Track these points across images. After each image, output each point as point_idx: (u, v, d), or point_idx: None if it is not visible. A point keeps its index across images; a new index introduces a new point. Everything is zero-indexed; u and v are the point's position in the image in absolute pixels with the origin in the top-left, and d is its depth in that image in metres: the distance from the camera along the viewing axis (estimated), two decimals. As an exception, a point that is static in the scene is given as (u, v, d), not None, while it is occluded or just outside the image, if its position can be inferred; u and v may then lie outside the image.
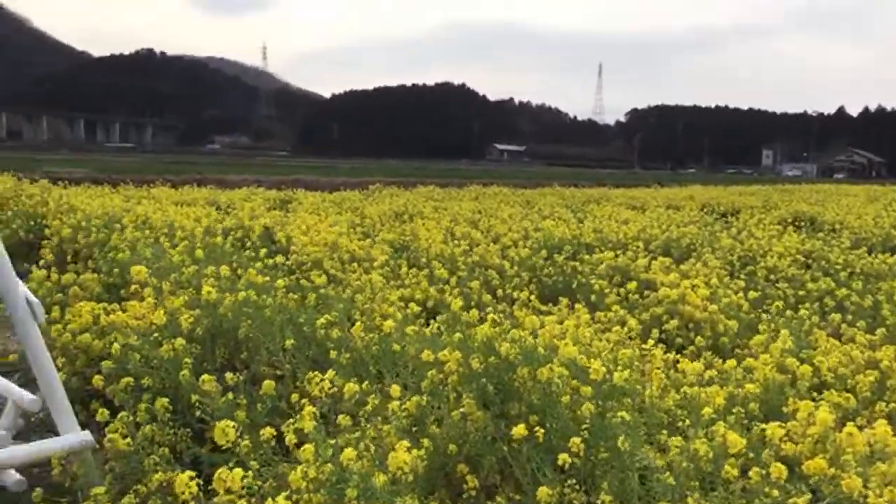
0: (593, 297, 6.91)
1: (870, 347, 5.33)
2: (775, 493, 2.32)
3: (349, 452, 2.35)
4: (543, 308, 6.49)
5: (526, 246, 9.11)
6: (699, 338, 5.57)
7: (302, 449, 2.48)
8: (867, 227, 13.75)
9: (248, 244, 7.68)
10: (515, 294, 6.88)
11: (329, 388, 2.89)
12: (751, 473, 2.48)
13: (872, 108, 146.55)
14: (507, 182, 31.63)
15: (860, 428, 3.07)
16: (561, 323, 5.48)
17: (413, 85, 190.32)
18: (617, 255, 8.40)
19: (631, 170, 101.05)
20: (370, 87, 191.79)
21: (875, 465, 2.87)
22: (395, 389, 3.09)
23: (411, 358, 3.97)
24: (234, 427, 2.62)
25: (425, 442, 2.87)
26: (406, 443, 2.57)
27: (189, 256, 5.99)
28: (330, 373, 3.16)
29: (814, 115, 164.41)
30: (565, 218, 13.78)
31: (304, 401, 3.19)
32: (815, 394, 4.13)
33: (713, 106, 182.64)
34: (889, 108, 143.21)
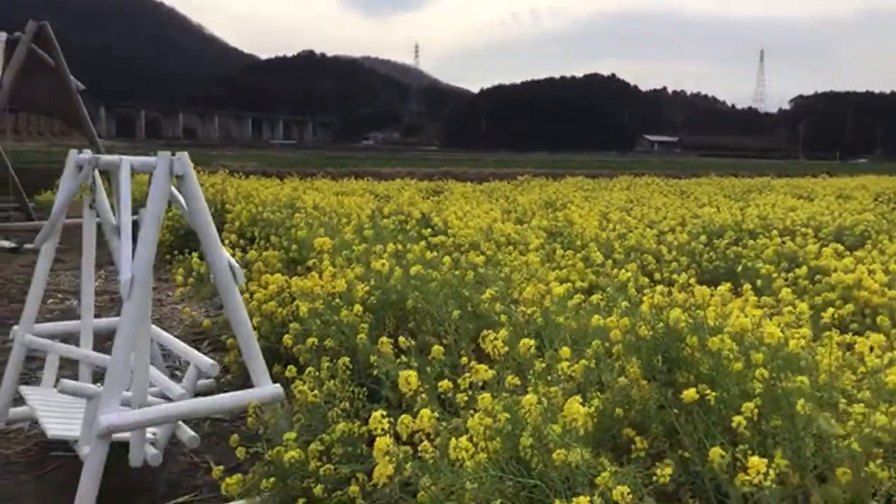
0: (759, 282, 6.66)
1: None
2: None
3: (530, 398, 2.49)
4: (706, 292, 6.33)
5: (684, 232, 8.89)
6: (881, 318, 5.25)
7: (480, 397, 2.65)
8: None
9: (409, 227, 8.05)
10: (675, 278, 6.76)
11: (501, 347, 3.04)
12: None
13: None
14: (658, 173, 30.69)
15: None
16: (724, 305, 5.38)
17: (561, 77, 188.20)
18: (784, 242, 8.03)
19: (796, 160, 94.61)
20: (518, 80, 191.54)
21: None
22: (566, 351, 3.20)
23: (574, 331, 4.06)
24: (415, 376, 2.83)
25: (595, 401, 2.96)
26: (578, 398, 2.67)
27: (358, 235, 6.40)
28: (503, 332, 3.32)
29: None
30: (727, 206, 13.24)
31: (473, 362, 3.36)
32: None
33: (888, 92, 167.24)
34: None
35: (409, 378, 2.79)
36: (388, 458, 2.39)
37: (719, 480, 2.60)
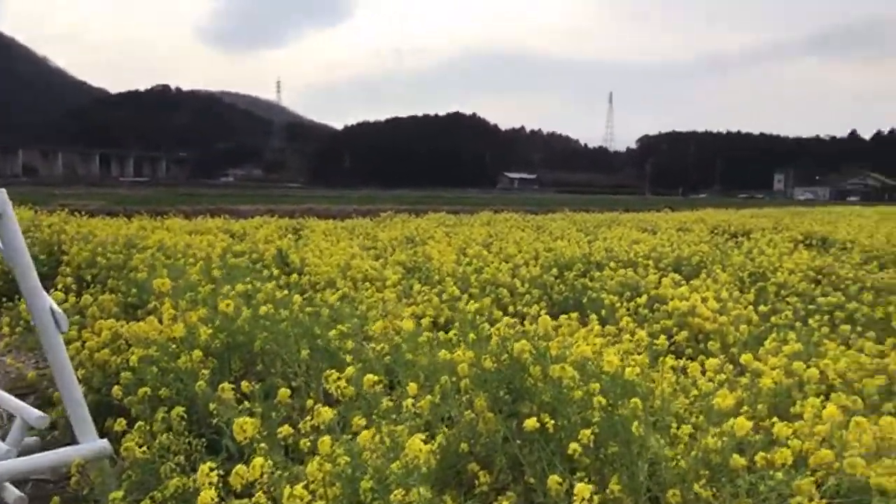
0: (604, 312, 6.96)
1: (879, 356, 5.35)
2: (779, 475, 2.37)
3: (366, 434, 2.43)
4: (554, 323, 6.55)
5: (537, 265, 9.19)
6: (711, 343, 5.61)
7: (320, 441, 2.55)
8: (879, 245, 13.75)
9: (262, 266, 7.81)
10: (526, 310, 6.95)
11: (345, 387, 2.97)
12: (756, 458, 2.54)
13: (885, 131, 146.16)
14: (517, 208, 31.78)
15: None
16: (572, 335, 5.57)
17: (424, 115, 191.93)
18: (627, 273, 8.47)
19: (642, 196, 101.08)
20: (382, 118, 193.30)
21: (881, 460, 2.91)
22: (412, 387, 3.16)
23: (423, 367, 4.05)
24: (252, 423, 2.69)
25: (439, 437, 2.93)
26: (421, 435, 2.64)
27: (206, 276, 6.12)
28: (349, 370, 3.25)
29: (826, 138, 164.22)
30: (577, 239, 13.85)
31: (318, 405, 3.26)
32: (822, 398, 4.17)
33: (724, 132, 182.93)
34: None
35: (244, 426, 2.66)
36: (214, 513, 2.25)
37: (559, 509, 2.63)
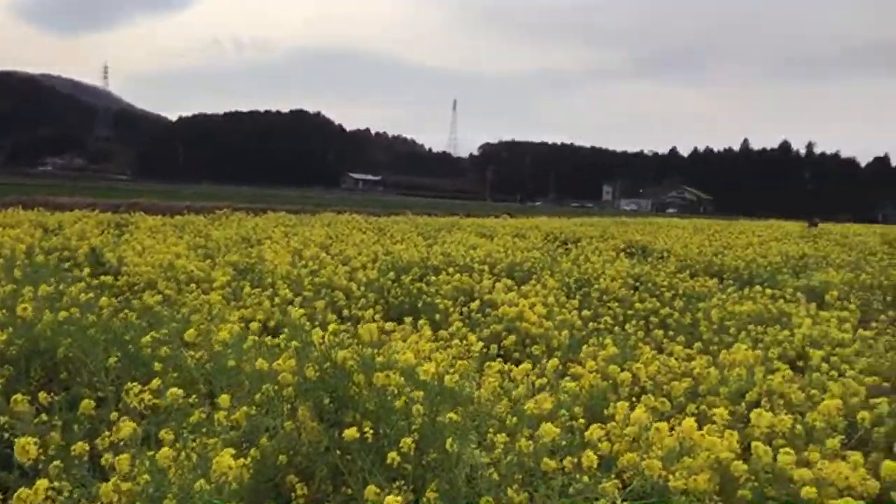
0: (437, 316, 7.05)
1: (686, 359, 5.79)
2: (586, 478, 2.46)
3: (165, 451, 2.25)
4: (389, 327, 6.53)
5: (374, 268, 9.15)
6: (535, 347, 5.81)
7: (116, 459, 2.34)
8: (691, 255, 14.99)
9: (74, 265, 7.19)
10: (361, 314, 6.88)
11: (150, 400, 2.75)
12: (565, 462, 2.62)
13: (701, 148, 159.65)
14: (361, 210, 31.65)
15: (671, 428, 3.31)
16: (404, 340, 5.57)
17: (266, 111, 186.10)
18: (463, 278, 8.63)
19: (483, 201, 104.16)
20: (220, 111, 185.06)
21: (682, 460, 3.12)
22: (224, 399, 3.00)
23: (248, 375, 3.87)
24: (35, 443, 2.43)
25: (252, 452, 2.80)
26: (231, 450, 2.49)
27: (7, 275, 5.53)
28: (155, 382, 3.02)
29: (650, 154, 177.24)
30: (416, 243, 13.96)
31: (122, 418, 3.01)
32: (634, 399, 4.43)
33: (559, 143, 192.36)
34: (715, 149, 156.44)
35: (26, 446, 2.38)
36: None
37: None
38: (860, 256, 16.13)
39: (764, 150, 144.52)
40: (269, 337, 5.64)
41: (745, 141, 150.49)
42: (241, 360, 3.97)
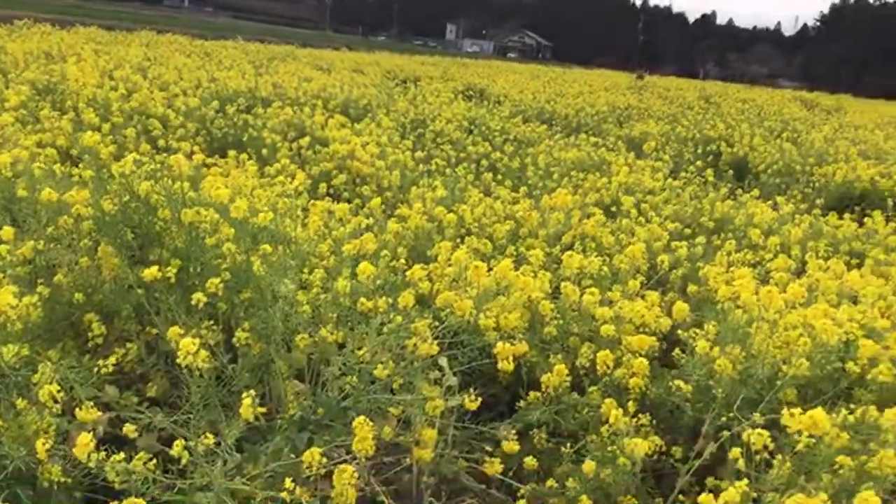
0: (265, 152, 6.71)
1: (512, 202, 5.95)
2: (399, 318, 2.48)
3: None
4: (210, 161, 6.14)
5: (196, 96, 8.47)
6: (365, 187, 5.73)
7: None
8: (526, 101, 15.24)
9: None
10: (178, 145, 6.40)
11: None
12: (380, 303, 2.62)
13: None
14: (185, 31, 28.95)
15: (491, 269, 3.39)
16: (226, 175, 5.25)
17: None
18: (294, 112, 8.22)
19: (322, 31, 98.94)
20: None
21: (497, 298, 3.23)
22: (7, 231, 2.67)
23: (42, 205, 3.48)
24: None
25: (41, 289, 2.55)
26: (14, 288, 2.24)
27: None
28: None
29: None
30: (245, 72, 13.06)
31: None
32: (459, 241, 4.52)
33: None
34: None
35: None
36: None
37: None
38: (678, 110, 17.16)
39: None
40: (71, 166, 5.13)
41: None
42: (34, 191, 3.56)
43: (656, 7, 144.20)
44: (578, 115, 13.64)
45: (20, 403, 1.99)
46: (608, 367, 2.74)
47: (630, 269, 3.90)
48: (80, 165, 4.47)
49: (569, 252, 3.73)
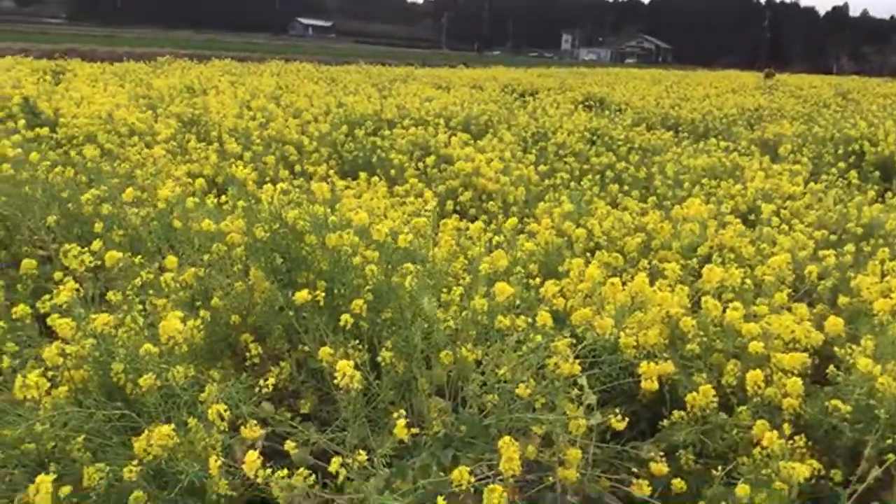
0: (393, 172, 6.92)
1: (641, 214, 5.82)
2: (539, 338, 2.48)
3: (104, 318, 2.18)
4: (342, 183, 6.40)
5: (327, 121, 8.85)
6: (491, 203, 5.77)
7: (57, 323, 2.26)
8: (648, 108, 14.87)
9: (8, 116, 6.76)
10: (313, 169, 6.71)
11: (90, 262, 2.64)
12: (518, 321, 2.63)
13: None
14: (311, 58, 30.34)
15: (624, 283, 3.33)
16: (359, 196, 5.46)
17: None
18: (418, 131, 8.42)
19: (438, 49, 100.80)
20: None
21: (633, 314, 3.16)
22: (171, 260, 2.90)
23: (196, 233, 3.75)
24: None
25: (203, 312, 2.74)
26: (179, 313, 2.43)
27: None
28: (96, 244, 2.89)
29: (609, 1, 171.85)
30: (370, 95, 13.51)
31: (66, 278, 2.90)
32: (589, 255, 4.46)
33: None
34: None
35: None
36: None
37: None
38: (813, 109, 16.21)
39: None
40: (219, 194, 5.49)
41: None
42: (187, 220, 3.84)
43: (782, 3, 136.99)
44: (705, 119, 13.17)
45: (191, 421, 2.14)
46: (759, 387, 2.62)
47: (774, 280, 3.72)
48: (228, 193, 4.79)
49: (708, 265, 3.60)
